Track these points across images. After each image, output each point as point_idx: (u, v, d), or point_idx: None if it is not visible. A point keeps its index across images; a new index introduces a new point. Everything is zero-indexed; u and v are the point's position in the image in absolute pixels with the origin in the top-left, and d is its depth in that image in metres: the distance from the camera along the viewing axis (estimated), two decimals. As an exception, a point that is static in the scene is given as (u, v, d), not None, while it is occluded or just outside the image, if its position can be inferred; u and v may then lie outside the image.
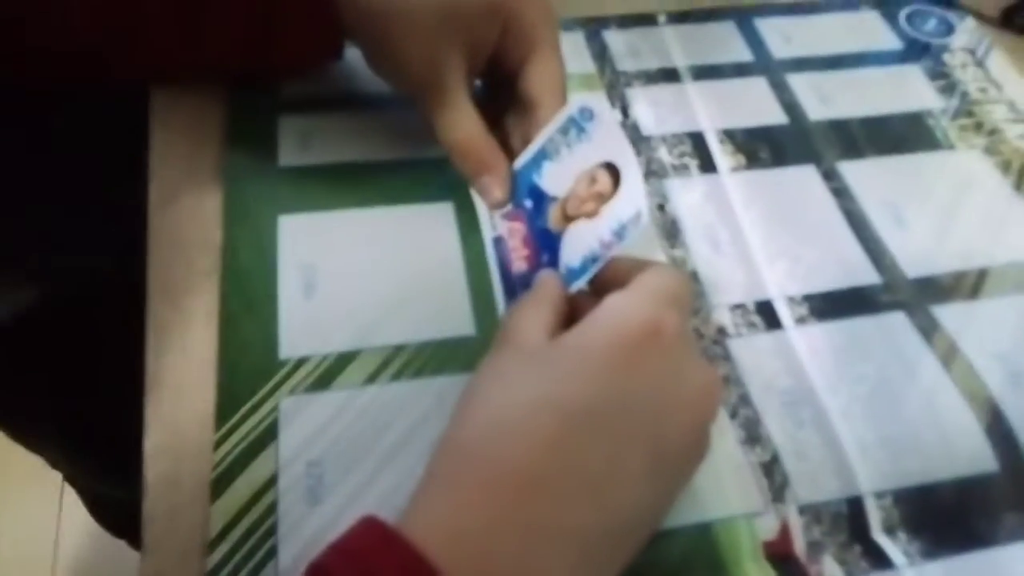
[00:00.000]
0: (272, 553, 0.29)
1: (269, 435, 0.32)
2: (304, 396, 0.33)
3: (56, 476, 0.94)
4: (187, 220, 0.39)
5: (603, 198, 0.34)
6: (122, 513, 0.99)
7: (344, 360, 0.35)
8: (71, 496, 1.02)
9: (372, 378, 0.34)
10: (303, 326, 0.35)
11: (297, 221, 0.39)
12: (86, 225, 0.57)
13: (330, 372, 0.34)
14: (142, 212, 0.56)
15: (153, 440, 0.33)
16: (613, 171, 0.34)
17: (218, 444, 0.32)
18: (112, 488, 0.94)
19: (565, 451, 0.25)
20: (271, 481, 0.31)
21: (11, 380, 0.68)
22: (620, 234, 0.33)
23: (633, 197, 0.33)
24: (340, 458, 0.32)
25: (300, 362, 0.34)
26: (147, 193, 0.43)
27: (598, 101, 0.44)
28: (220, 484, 0.31)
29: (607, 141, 0.35)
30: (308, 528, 0.30)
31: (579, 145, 0.36)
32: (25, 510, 1.24)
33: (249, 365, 0.34)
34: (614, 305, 0.29)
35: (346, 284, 0.37)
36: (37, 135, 0.51)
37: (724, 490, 0.32)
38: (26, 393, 0.70)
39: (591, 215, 0.34)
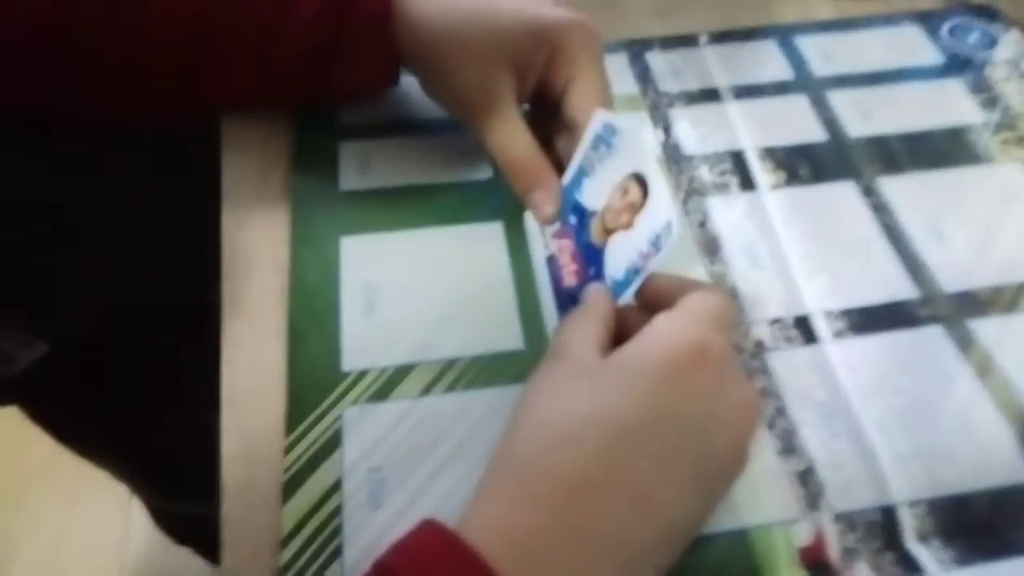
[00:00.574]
0: (338, 552, 0.32)
1: (334, 442, 0.35)
2: (365, 406, 0.36)
3: (121, 496, 0.99)
4: (258, 242, 0.42)
5: (635, 208, 0.35)
6: (183, 523, 1.04)
7: (402, 373, 0.37)
8: (139, 504, 1.07)
9: (428, 389, 0.37)
10: (364, 341, 0.38)
11: (358, 242, 0.42)
12: (141, 253, 0.60)
13: (389, 384, 0.37)
14: (191, 241, 0.60)
15: (229, 448, 0.36)
16: (642, 182, 0.36)
17: (288, 451, 0.35)
18: (171, 503, 0.98)
19: (614, 463, 0.27)
20: (336, 485, 0.34)
21: (68, 404, 0.72)
22: (656, 244, 0.35)
23: (662, 206, 0.35)
24: (400, 464, 0.34)
25: (361, 375, 0.37)
26: (200, 220, 0.46)
27: (638, 120, 0.47)
28: (290, 488, 0.34)
29: (633, 153, 0.36)
30: (371, 529, 0.32)
31: (609, 159, 0.37)
32: (94, 516, 1.29)
33: (315, 377, 0.37)
34: (662, 326, 0.31)
35: (403, 301, 0.40)
36: (90, 169, 0.54)
37: (761, 498, 0.33)
38: (84, 417, 0.74)
39: (627, 226, 0.36)
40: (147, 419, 0.77)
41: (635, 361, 0.30)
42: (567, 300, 0.39)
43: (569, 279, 0.40)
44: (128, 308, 0.63)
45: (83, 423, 0.75)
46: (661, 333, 0.30)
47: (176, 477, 0.88)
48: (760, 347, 0.38)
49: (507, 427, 0.30)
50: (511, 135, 0.41)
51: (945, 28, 0.53)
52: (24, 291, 0.57)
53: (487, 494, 0.28)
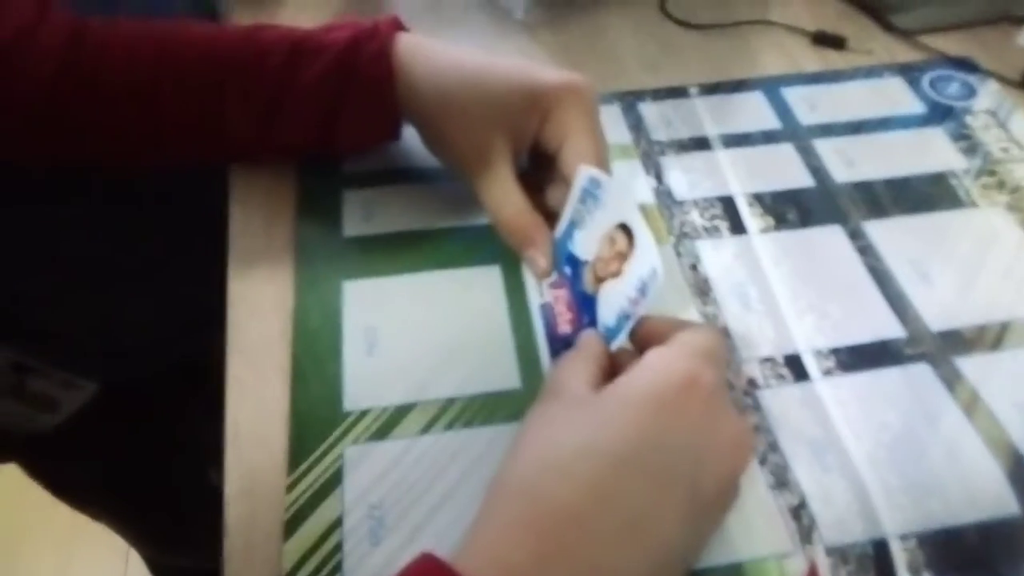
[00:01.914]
0: (338, 588, 0.33)
1: (335, 480, 0.36)
2: (366, 445, 0.37)
3: (119, 546, 0.98)
4: (262, 286, 0.44)
5: (623, 257, 0.37)
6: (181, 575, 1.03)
7: (402, 412, 0.38)
8: (136, 555, 1.07)
9: (427, 428, 0.38)
10: (365, 381, 0.39)
11: (360, 286, 0.43)
12: (143, 308, 0.62)
13: (389, 423, 0.38)
14: (192, 296, 0.61)
15: (232, 486, 0.37)
16: (627, 231, 0.37)
17: (290, 488, 0.36)
18: (169, 557, 0.97)
19: (607, 492, 0.28)
20: (337, 522, 0.34)
21: (68, 459, 0.72)
22: (643, 291, 0.36)
23: (646, 254, 0.36)
24: (399, 501, 0.35)
25: (362, 414, 0.38)
26: (201, 275, 0.47)
27: (631, 168, 0.48)
28: (292, 525, 0.34)
29: (617, 204, 0.38)
30: (371, 565, 0.33)
31: (596, 211, 0.39)
32: (91, 567, 1.29)
33: (317, 417, 0.38)
34: (654, 359, 0.32)
35: (404, 343, 0.41)
36: (96, 229, 0.55)
37: (754, 532, 0.34)
38: (82, 471, 0.73)
39: (617, 274, 0.37)
40: (146, 474, 0.77)
41: (626, 393, 0.31)
42: (561, 347, 0.40)
43: (564, 327, 0.41)
44: (134, 362, 0.64)
45: (84, 479, 0.75)
46: (652, 366, 0.31)
47: (174, 531, 0.88)
48: (752, 385, 0.39)
49: (503, 461, 0.31)
50: (504, 195, 0.42)
51: (926, 79, 0.56)
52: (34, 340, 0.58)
53: (482, 524, 0.29)
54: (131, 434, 0.70)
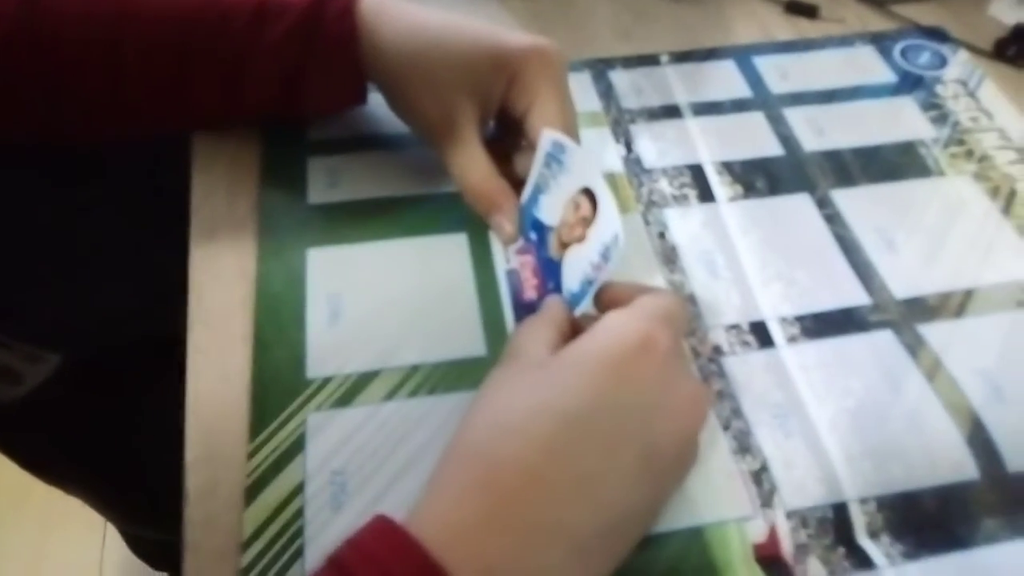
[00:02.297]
0: (299, 553, 0.32)
1: (297, 447, 0.35)
2: (329, 412, 0.37)
3: (96, 524, 0.98)
4: (225, 253, 0.43)
5: (588, 222, 0.37)
6: (158, 549, 1.03)
7: (365, 379, 0.38)
8: (113, 531, 1.06)
9: (391, 395, 0.37)
10: (328, 349, 0.39)
11: (324, 253, 0.43)
12: (112, 283, 0.61)
13: (353, 390, 0.37)
14: (162, 270, 0.60)
15: (193, 453, 0.36)
16: (592, 196, 0.37)
17: (251, 455, 0.35)
18: (145, 530, 0.97)
19: (560, 452, 0.28)
20: (299, 488, 0.34)
21: (40, 433, 0.71)
22: (606, 256, 0.36)
23: (608, 219, 0.36)
24: (361, 468, 0.35)
25: (325, 381, 0.38)
26: (171, 248, 0.47)
27: (600, 136, 0.48)
28: (253, 491, 0.34)
29: (581, 169, 0.37)
30: (332, 531, 0.33)
31: (560, 176, 0.39)
32: (69, 543, 1.28)
33: (279, 384, 0.37)
34: (611, 321, 0.32)
35: (368, 310, 0.40)
36: (61, 203, 0.54)
37: (716, 496, 0.34)
38: (55, 446, 0.73)
39: (581, 240, 0.37)
40: (114, 446, 0.76)
41: (581, 354, 0.31)
42: (526, 313, 0.40)
43: (529, 292, 0.41)
44: (99, 336, 0.63)
45: (54, 452, 0.74)
46: (608, 328, 0.31)
47: (145, 504, 0.88)
48: (717, 351, 0.39)
49: (459, 424, 0.31)
50: (470, 161, 0.42)
51: (897, 49, 0.55)
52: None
53: (435, 486, 0.29)
54: (96, 407, 0.69)
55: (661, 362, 0.30)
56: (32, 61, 0.42)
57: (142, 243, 0.60)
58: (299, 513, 0.33)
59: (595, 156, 0.47)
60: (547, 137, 0.39)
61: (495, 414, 0.30)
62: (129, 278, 0.62)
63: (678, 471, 0.32)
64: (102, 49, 0.42)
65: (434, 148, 0.43)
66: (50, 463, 0.77)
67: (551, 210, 0.39)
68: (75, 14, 0.42)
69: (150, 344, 0.70)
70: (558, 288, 0.39)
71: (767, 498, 0.34)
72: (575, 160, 0.38)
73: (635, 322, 0.31)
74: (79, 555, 1.27)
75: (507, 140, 0.44)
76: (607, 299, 0.36)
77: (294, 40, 0.42)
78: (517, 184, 0.42)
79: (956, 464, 0.35)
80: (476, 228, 0.43)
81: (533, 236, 0.41)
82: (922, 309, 0.41)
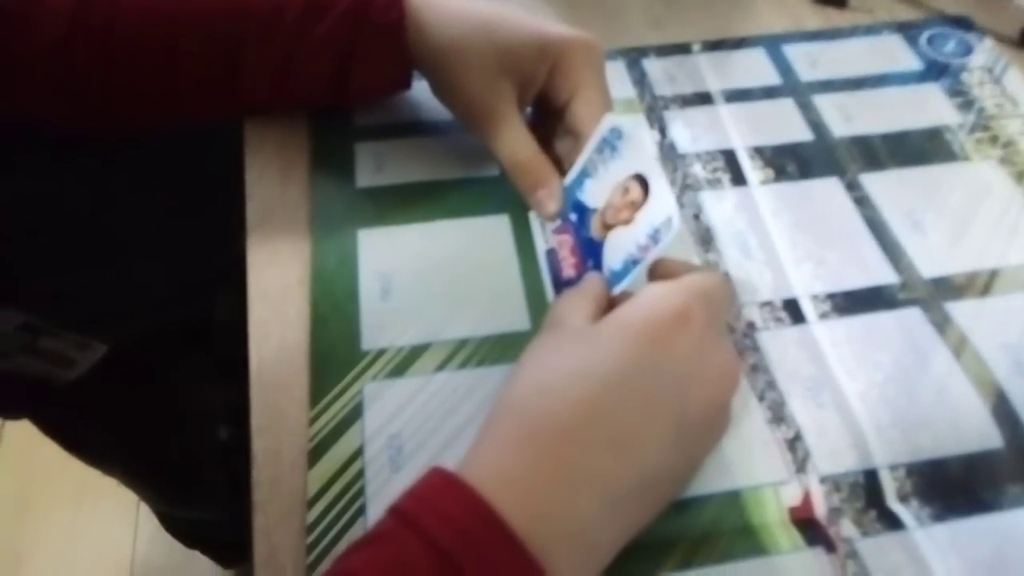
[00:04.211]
0: (361, 511, 0.35)
1: (355, 414, 0.38)
2: (384, 381, 0.39)
3: (129, 500, 1.01)
4: (280, 234, 0.45)
5: (636, 206, 0.39)
6: (191, 528, 1.06)
7: (417, 352, 0.40)
8: (145, 509, 1.08)
9: (441, 367, 0.39)
10: (381, 323, 0.41)
11: (374, 234, 0.45)
12: (153, 267, 0.63)
13: (405, 362, 0.39)
14: (202, 255, 0.62)
15: (257, 420, 0.39)
16: (643, 182, 0.39)
17: (312, 421, 0.37)
18: (179, 509, 1.00)
19: (598, 411, 0.30)
20: (358, 452, 0.36)
21: (80, 415, 0.74)
22: (655, 237, 0.38)
23: (662, 203, 0.38)
24: (416, 433, 0.37)
25: (379, 353, 0.40)
26: (210, 229, 0.48)
27: (635, 122, 0.50)
28: (315, 455, 0.36)
29: (636, 155, 0.39)
30: (392, 489, 0.35)
31: (612, 162, 0.40)
32: (102, 519, 1.32)
33: (337, 356, 0.40)
34: (651, 292, 0.34)
35: (417, 287, 0.42)
36: (99, 191, 0.56)
37: (753, 462, 0.36)
38: (94, 428, 0.75)
39: (627, 222, 0.39)
40: (155, 429, 0.79)
41: (620, 322, 0.33)
42: (565, 289, 0.42)
43: (568, 271, 0.43)
44: (141, 322, 0.66)
45: (96, 434, 0.77)
46: (648, 298, 0.34)
47: (183, 485, 0.91)
48: (751, 327, 0.41)
49: (504, 386, 0.33)
50: (515, 140, 0.44)
51: (924, 37, 0.57)
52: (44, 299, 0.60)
53: (484, 439, 0.31)
54: (139, 391, 0.72)
55: (696, 334, 0.32)
56: (89, 57, 0.44)
57: (180, 230, 0.62)
58: (360, 474, 0.36)
59: (650, 143, 0.49)
60: (607, 122, 0.40)
61: (538, 376, 0.32)
62: (168, 264, 0.64)
63: (709, 436, 0.34)
64: (157, 44, 0.45)
65: (477, 131, 0.45)
66: (92, 445, 0.80)
67: (596, 193, 0.41)
68: (130, 11, 0.44)
69: (190, 331, 0.72)
70: (597, 267, 0.41)
71: (801, 464, 0.36)
72: (631, 146, 0.40)
73: (674, 295, 0.33)
74: (113, 531, 1.31)
75: (544, 126, 0.46)
76: (658, 273, 0.38)
77: (343, 30, 0.44)
78: (557, 164, 0.44)
79: (981, 433, 0.37)
80: (517, 209, 0.45)
81: (573, 217, 0.43)
82: (949, 288, 0.42)
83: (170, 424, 0.80)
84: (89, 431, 0.76)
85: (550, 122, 0.45)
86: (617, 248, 0.40)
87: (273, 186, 0.48)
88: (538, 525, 0.27)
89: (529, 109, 0.46)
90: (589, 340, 0.33)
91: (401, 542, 0.27)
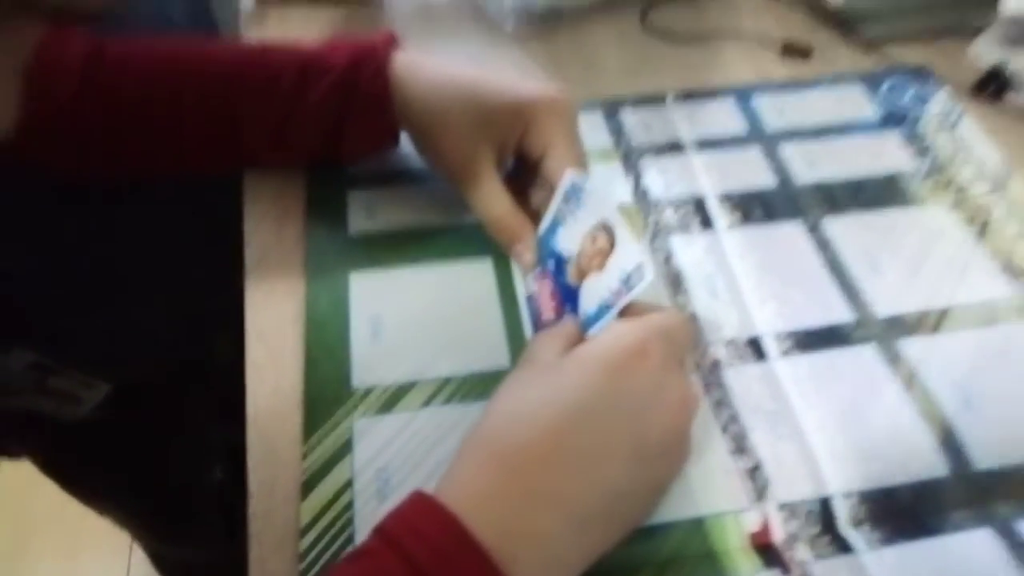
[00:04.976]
0: (351, 540, 0.37)
1: (346, 448, 0.40)
2: (373, 417, 0.41)
3: (124, 537, 1.02)
4: (276, 277, 0.48)
5: (605, 254, 0.42)
6: (183, 569, 1.07)
7: (404, 389, 0.43)
8: (138, 555, 1.09)
9: (427, 403, 0.42)
10: (371, 362, 0.44)
11: (365, 277, 0.48)
12: (153, 309, 0.65)
13: (393, 398, 0.42)
14: (200, 299, 0.64)
15: (254, 455, 0.41)
16: (609, 230, 0.42)
17: (305, 456, 0.40)
18: (173, 547, 1.01)
19: (562, 436, 0.33)
20: (348, 484, 0.39)
21: (79, 460, 0.76)
22: (627, 283, 0.41)
23: (629, 251, 0.41)
24: (403, 465, 0.39)
25: (369, 390, 0.42)
26: (209, 279, 0.51)
27: (611, 170, 0.53)
28: (307, 487, 0.39)
29: (598, 206, 0.43)
30: (378, 519, 0.37)
31: (578, 211, 0.44)
32: (95, 566, 1.33)
33: (328, 393, 0.42)
34: (614, 329, 0.38)
35: (405, 328, 0.45)
36: (106, 234, 0.59)
37: (715, 491, 0.39)
38: (92, 472, 0.78)
39: (600, 268, 0.42)
40: (153, 469, 0.81)
41: (584, 357, 0.36)
42: None
43: (548, 314, 0.46)
44: (142, 359, 0.68)
45: (93, 473, 0.79)
46: (610, 335, 0.37)
47: (179, 523, 0.92)
48: (716, 364, 0.44)
49: (480, 415, 0.36)
50: (491, 198, 0.47)
51: (884, 87, 0.60)
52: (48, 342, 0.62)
53: (459, 464, 0.34)
54: (140, 431, 0.74)
55: (653, 367, 0.36)
56: (98, 113, 0.48)
57: (181, 273, 0.65)
58: (349, 505, 0.38)
59: (612, 194, 0.52)
60: (568, 177, 0.44)
61: (509, 406, 0.35)
62: (169, 307, 0.66)
63: (668, 461, 0.37)
64: (162, 104, 0.48)
65: (457, 187, 0.48)
66: (91, 484, 0.82)
67: (568, 241, 0.44)
68: (137, 72, 0.48)
69: (189, 373, 0.75)
70: (575, 311, 0.44)
71: (761, 492, 0.39)
72: (592, 198, 0.43)
73: (633, 332, 0.37)
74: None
75: (525, 176, 0.49)
76: (628, 314, 0.41)
77: (334, 97, 0.47)
78: (533, 215, 0.47)
79: (928, 463, 0.40)
80: (499, 254, 0.49)
81: (551, 264, 0.46)
82: (901, 326, 0.45)
83: (168, 463, 0.82)
84: (88, 470, 0.78)
85: (529, 173, 0.48)
86: (592, 293, 0.43)
87: (270, 231, 0.51)
88: (507, 543, 0.30)
89: (511, 160, 0.50)
90: (556, 373, 0.36)
91: (381, 558, 0.30)
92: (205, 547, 0.97)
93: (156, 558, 1.07)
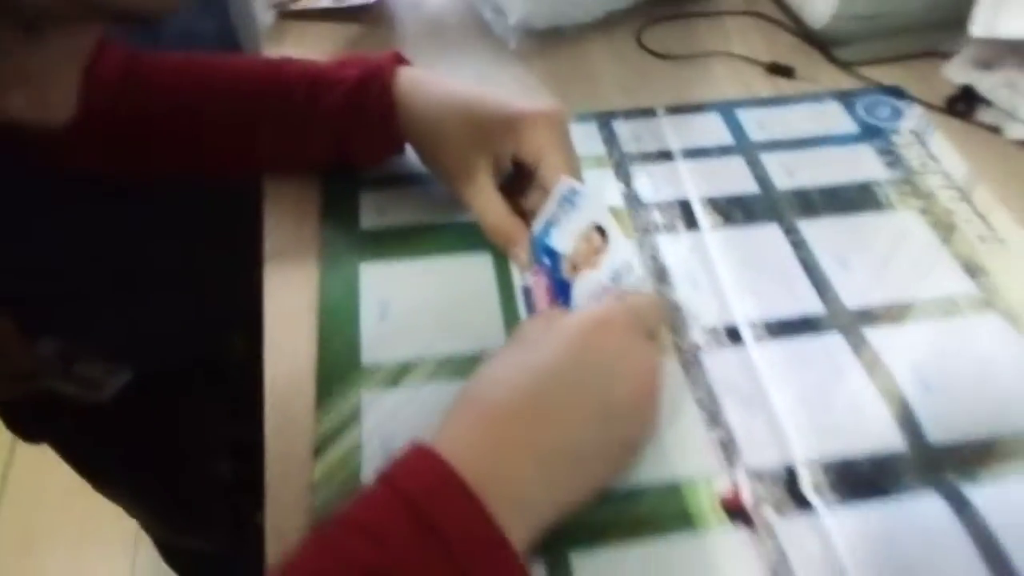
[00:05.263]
0: (358, 496, 0.41)
1: (354, 418, 0.44)
2: (379, 391, 0.45)
3: (130, 531, 1.05)
4: (293, 268, 0.52)
5: (597, 252, 0.46)
6: (190, 559, 1.11)
7: (409, 366, 0.47)
8: (144, 548, 1.12)
9: (429, 379, 0.46)
10: (378, 342, 0.48)
11: (374, 268, 0.52)
12: (171, 307, 0.70)
13: (398, 375, 0.46)
14: (216, 296, 0.69)
15: (271, 424, 0.45)
16: (602, 231, 0.46)
17: (317, 423, 0.44)
18: (181, 537, 1.05)
19: (535, 396, 0.38)
20: (357, 448, 0.43)
21: (96, 448, 0.81)
22: (615, 279, 0.45)
23: (620, 249, 0.45)
24: (406, 435, 0.43)
25: (376, 367, 0.47)
26: (225, 277, 0.55)
27: (603, 175, 0.57)
28: (320, 451, 0.43)
29: (591, 208, 0.47)
30: (383, 478, 0.41)
31: (573, 214, 0.48)
32: (102, 559, 1.37)
33: (339, 370, 0.46)
34: (588, 306, 0.43)
35: (411, 313, 0.49)
36: (130, 227, 0.64)
37: (690, 458, 0.43)
38: (108, 458, 0.82)
39: (593, 266, 0.47)
40: (167, 459, 0.85)
41: (558, 328, 0.41)
42: None
43: (542, 304, 0.50)
44: (161, 349, 0.72)
45: (109, 459, 0.83)
46: (581, 310, 0.43)
47: (187, 513, 0.96)
48: (696, 348, 0.48)
49: (468, 381, 0.41)
50: (486, 204, 0.52)
51: (861, 104, 0.65)
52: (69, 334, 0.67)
53: (450, 419, 0.39)
54: (156, 420, 0.78)
55: (617, 335, 0.40)
56: (129, 121, 0.53)
57: (200, 268, 0.70)
58: (358, 467, 0.42)
59: (603, 199, 0.57)
60: (564, 183, 0.48)
61: (492, 372, 0.40)
62: (188, 299, 0.71)
63: (634, 423, 0.41)
64: (186, 115, 0.53)
65: (456, 194, 0.53)
66: (106, 470, 0.86)
67: (562, 240, 0.49)
68: (164, 87, 0.53)
69: (205, 368, 0.79)
70: (567, 304, 0.48)
71: (731, 460, 0.42)
72: (585, 201, 0.48)
73: (603, 306, 0.42)
74: (111, 570, 1.35)
75: (522, 180, 0.53)
76: None
77: (344, 110, 0.52)
78: (527, 216, 0.52)
79: (886, 437, 0.43)
80: (498, 250, 0.53)
81: (547, 261, 0.50)
82: (867, 317, 0.49)
83: (181, 453, 0.86)
84: (105, 454, 0.82)
85: (526, 178, 0.53)
86: (584, 288, 0.47)
87: (288, 228, 0.55)
88: (486, 483, 0.34)
89: (509, 165, 0.54)
90: (534, 344, 0.41)
91: (380, 494, 0.34)
92: (212, 539, 1.01)
93: (164, 548, 1.10)
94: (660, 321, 0.47)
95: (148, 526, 1.07)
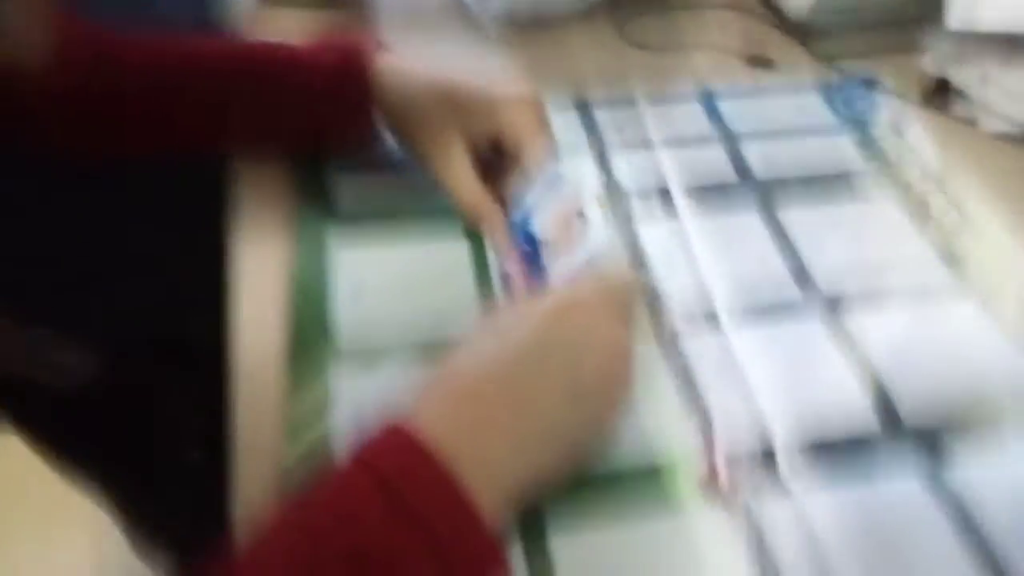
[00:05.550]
0: (331, 477, 0.40)
1: (326, 403, 0.43)
2: (352, 376, 0.45)
3: (96, 516, 1.03)
4: (267, 253, 0.52)
5: (575, 237, 0.46)
6: (156, 548, 1.09)
7: (383, 351, 0.46)
8: (112, 539, 1.10)
9: (403, 364, 0.45)
10: (352, 326, 0.47)
11: (349, 251, 0.51)
12: (144, 289, 0.69)
13: (372, 359, 0.46)
14: (190, 280, 0.68)
15: (241, 410, 0.44)
16: (582, 216, 0.46)
17: (290, 408, 0.43)
18: (148, 525, 1.03)
19: (506, 374, 0.37)
20: (328, 434, 0.42)
21: (68, 432, 0.79)
22: (593, 264, 0.45)
23: (598, 235, 0.45)
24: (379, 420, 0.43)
25: (350, 352, 0.46)
26: (199, 261, 0.55)
27: (583, 163, 0.57)
28: (292, 434, 0.42)
29: (570, 194, 0.47)
30: (358, 459, 0.41)
31: (552, 198, 0.48)
32: (68, 544, 1.34)
33: (312, 353, 0.46)
34: (558, 287, 0.43)
35: (386, 298, 0.49)
36: (102, 211, 0.63)
37: (670, 439, 0.42)
38: (77, 443, 0.81)
39: (572, 251, 0.47)
40: (136, 446, 0.84)
41: (527, 309, 0.40)
42: None
43: (520, 291, 0.50)
44: (130, 333, 0.71)
45: (77, 445, 0.82)
46: (551, 291, 0.42)
47: (154, 501, 0.95)
48: (675, 333, 0.48)
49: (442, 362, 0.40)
50: (461, 184, 0.52)
51: (839, 96, 0.65)
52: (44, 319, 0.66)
53: (423, 397, 0.38)
54: (125, 407, 0.77)
55: (587, 313, 0.40)
56: (101, 99, 0.52)
57: (169, 253, 0.69)
58: (330, 452, 0.41)
59: (583, 184, 0.56)
60: (542, 168, 0.48)
61: (464, 353, 0.39)
62: (157, 283, 0.70)
63: (604, 401, 0.40)
64: (159, 94, 0.53)
65: (432, 175, 0.53)
66: (74, 455, 0.85)
67: (542, 225, 0.49)
68: (137, 66, 0.53)
69: (171, 351, 0.78)
70: (545, 288, 0.48)
71: (710, 443, 0.42)
72: (567, 189, 0.47)
73: (572, 287, 0.42)
74: (77, 558, 1.33)
75: (503, 162, 0.53)
76: None
77: (320, 94, 0.52)
78: (504, 200, 0.52)
79: (861, 420, 0.43)
80: (475, 235, 0.52)
81: (526, 245, 0.50)
82: (844, 302, 0.49)
83: (149, 440, 0.85)
84: (74, 441, 0.81)
85: (505, 161, 0.53)
86: (562, 272, 0.47)
87: (262, 212, 0.55)
88: (459, 460, 0.34)
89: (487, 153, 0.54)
90: (505, 323, 0.40)
91: (353, 473, 0.34)
92: (179, 528, 0.99)
93: (130, 536, 1.08)
94: (634, 300, 0.46)
95: (114, 514, 1.05)
